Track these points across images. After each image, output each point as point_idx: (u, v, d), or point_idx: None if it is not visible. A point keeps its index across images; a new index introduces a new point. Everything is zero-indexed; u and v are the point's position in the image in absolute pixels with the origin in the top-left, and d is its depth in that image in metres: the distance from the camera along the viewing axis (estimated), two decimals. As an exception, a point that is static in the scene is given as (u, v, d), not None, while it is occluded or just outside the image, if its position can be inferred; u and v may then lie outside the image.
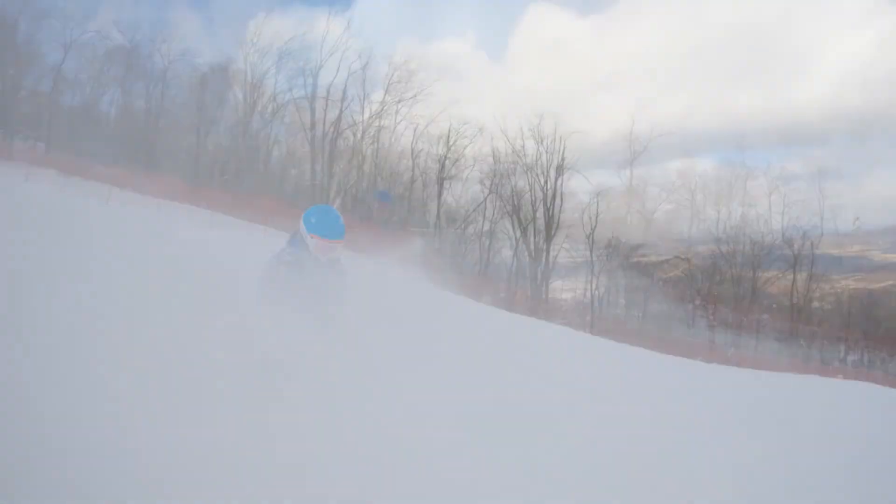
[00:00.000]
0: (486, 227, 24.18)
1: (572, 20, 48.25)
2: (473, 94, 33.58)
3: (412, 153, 23.89)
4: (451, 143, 24.03)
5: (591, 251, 24.34)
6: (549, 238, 23.34)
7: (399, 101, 23.28)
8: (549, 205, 23.54)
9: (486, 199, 24.05)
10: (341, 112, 22.44)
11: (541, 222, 23.59)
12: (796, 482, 2.74)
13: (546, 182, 23.70)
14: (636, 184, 26.90)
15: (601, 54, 42.52)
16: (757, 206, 25.71)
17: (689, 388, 6.22)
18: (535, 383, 3.67)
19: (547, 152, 23.68)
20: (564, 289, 26.33)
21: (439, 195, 23.90)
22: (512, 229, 23.89)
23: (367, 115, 23.37)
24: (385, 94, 23.30)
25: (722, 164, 27.73)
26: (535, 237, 23.60)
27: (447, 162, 24.02)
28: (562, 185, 23.77)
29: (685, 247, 26.63)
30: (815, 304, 25.88)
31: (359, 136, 23.16)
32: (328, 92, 22.44)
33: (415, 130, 23.72)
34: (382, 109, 23.16)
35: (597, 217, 24.12)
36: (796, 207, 25.35)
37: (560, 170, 23.61)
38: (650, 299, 27.39)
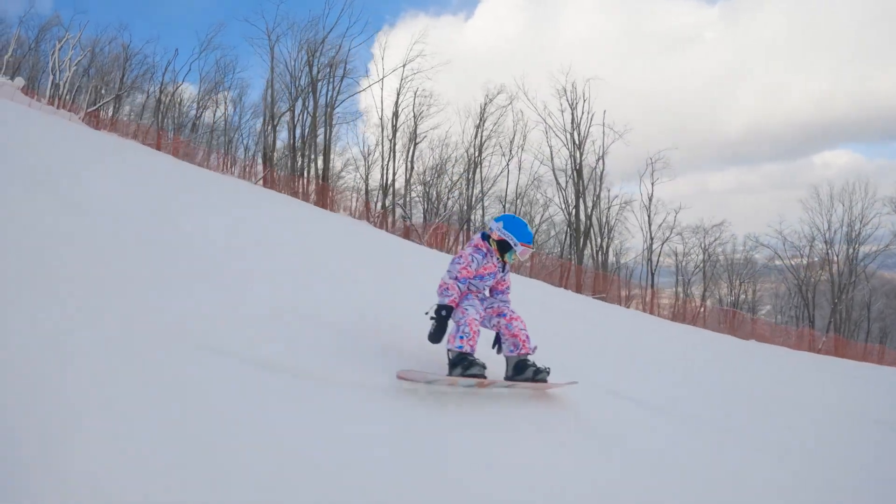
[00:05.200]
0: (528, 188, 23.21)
1: (700, 7, 44.58)
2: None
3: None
4: (484, 116, 23.11)
5: (649, 223, 22.70)
6: (581, 193, 21.91)
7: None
8: (576, 165, 21.86)
9: (508, 163, 22.94)
10: (340, 84, 22.14)
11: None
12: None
13: (576, 143, 22.12)
14: (770, 179, 23.97)
15: (730, 42, 38.22)
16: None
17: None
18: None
19: (572, 108, 22.14)
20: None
21: (477, 171, 23.19)
22: (562, 200, 22.58)
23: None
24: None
25: (864, 155, 23.74)
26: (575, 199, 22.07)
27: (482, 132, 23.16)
28: (602, 148, 21.97)
29: (820, 246, 23.51)
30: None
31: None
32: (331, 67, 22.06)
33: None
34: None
35: (653, 185, 22.31)
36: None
37: (577, 125, 21.89)
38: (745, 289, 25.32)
